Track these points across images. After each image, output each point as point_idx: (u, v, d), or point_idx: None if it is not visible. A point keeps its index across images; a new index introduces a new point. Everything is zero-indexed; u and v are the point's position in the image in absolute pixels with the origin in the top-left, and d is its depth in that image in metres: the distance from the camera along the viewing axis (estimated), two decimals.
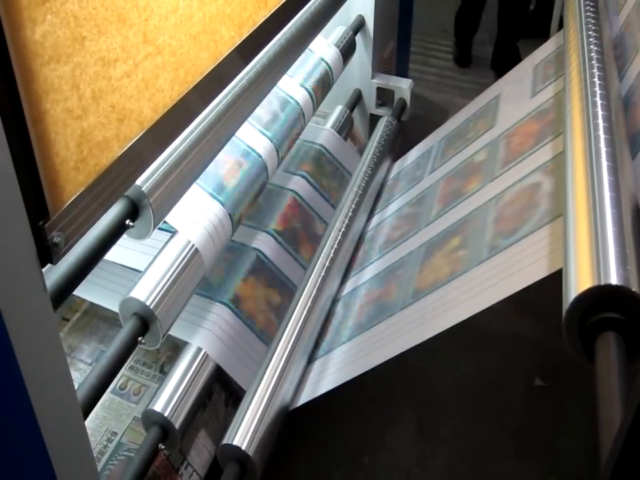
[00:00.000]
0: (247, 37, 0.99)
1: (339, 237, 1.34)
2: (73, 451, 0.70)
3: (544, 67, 1.46)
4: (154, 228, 0.89)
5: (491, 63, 2.66)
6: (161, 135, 0.82)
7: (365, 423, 1.35)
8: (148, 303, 0.91)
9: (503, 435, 1.32)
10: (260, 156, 1.21)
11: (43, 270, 0.60)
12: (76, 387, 0.71)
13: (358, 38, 1.69)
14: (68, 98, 0.63)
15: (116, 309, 0.94)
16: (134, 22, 0.72)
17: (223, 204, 1.09)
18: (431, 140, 1.65)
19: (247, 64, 1.05)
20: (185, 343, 1.07)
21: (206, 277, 1.07)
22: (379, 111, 1.82)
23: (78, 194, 0.67)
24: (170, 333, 0.98)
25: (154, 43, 0.77)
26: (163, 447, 0.98)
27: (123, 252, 1.07)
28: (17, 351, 0.56)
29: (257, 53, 1.08)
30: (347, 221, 1.38)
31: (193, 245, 1.00)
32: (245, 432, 0.98)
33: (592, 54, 1.09)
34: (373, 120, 1.82)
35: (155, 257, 0.99)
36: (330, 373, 1.09)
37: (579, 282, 0.68)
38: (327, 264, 1.27)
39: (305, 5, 1.29)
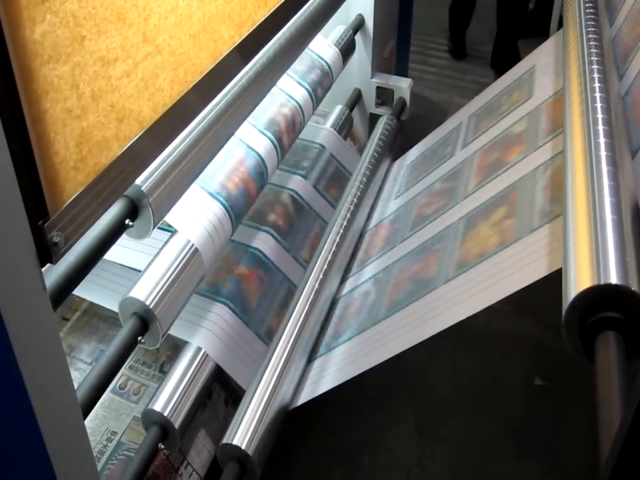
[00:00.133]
0: (247, 37, 0.99)
1: (339, 236, 1.34)
2: (73, 451, 0.70)
3: None
4: (153, 227, 0.89)
5: (491, 62, 2.66)
6: (161, 135, 0.82)
7: (365, 423, 1.35)
8: (148, 303, 0.91)
9: (502, 435, 1.32)
10: (260, 155, 1.21)
11: (43, 269, 0.60)
12: (76, 387, 0.71)
13: (357, 37, 1.69)
14: (67, 97, 0.63)
15: (116, 308, 0.94)
16: (133, 21, 0.72)
17: (222, 203, 1.09)
18: (457, 119, 1.64)
19: (246, 63, 1.04)
20: (185, 343, 1.07)
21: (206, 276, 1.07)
22: (379, 110, 1.82)
23: (77, 193, 0.67)
24: (170, 332, 0.98)
25: (153, 42, 0.77)
26: (162, 446, 0.98)
27: (122, 251, 1.07)
28: (16, 350, 0.56)
29: (256, 52, 1.08)
30: (346, 220, 1.38)
31: (192, 245, 1.00)
32: (244, 431, 0.98)
33: (592, 53, 1.09)
34: (373, 119, 1.82)
35: (155, 257, 0.99)
36: (329, 373, 1.09)
37: (578, 281, 0.68)
38: (327, 263, 1.27)
39: (304, 4, 1.29)
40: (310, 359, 1.16)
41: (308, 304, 1.19)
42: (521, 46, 2.56)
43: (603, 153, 0.83)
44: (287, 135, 1.31)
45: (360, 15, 1.69)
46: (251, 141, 1.21)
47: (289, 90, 1.37)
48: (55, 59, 0.61)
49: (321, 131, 1.59)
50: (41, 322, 0.60)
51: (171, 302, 0.94)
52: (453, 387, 1.42)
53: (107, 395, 1.09)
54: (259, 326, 1.17)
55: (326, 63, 1.51)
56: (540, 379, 1.43)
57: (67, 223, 0.65)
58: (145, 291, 0.92)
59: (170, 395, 0.99)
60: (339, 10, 1.52)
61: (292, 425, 1.12)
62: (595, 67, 1.04)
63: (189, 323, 1.09)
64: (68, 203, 0.65)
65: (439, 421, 1.36)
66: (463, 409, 1.38)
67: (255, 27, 1.01)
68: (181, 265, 0.97)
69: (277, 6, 1.08)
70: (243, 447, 0.97)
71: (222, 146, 1.06)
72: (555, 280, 0.79)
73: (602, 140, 0.86)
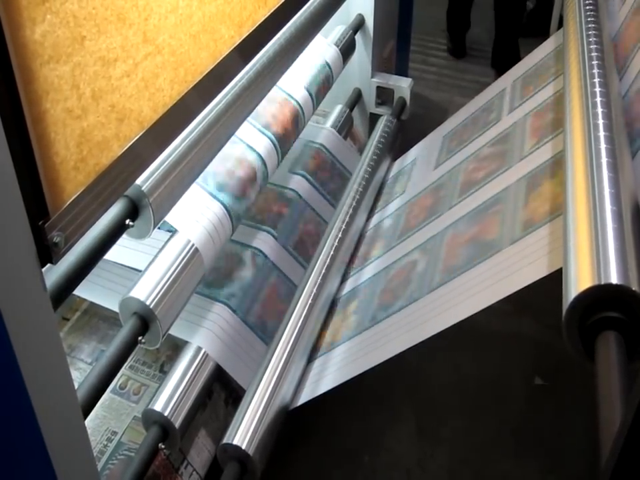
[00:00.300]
0: (247, 37, 0.99)
1: (339, 236, 1.34)
2: (73, 451, 0.70)
3: None
4: (154, 227, 0.89)
5: (491, 62, 2.66)
6: (161, 135, 0.82)
7: (365, 423, 1.35)
8: (148, 303, 0.91)
9: (502, 435, 1.32)
10: (260, 155, 1.21)
11: (43, 270, 0.60)
12: (76, 387, 0.71)
13: (358, 37, 1.69)
14: (68, 98, 0.63)
15: (116, 308, 0.94)
16: (134, 21, 0.72)
17: (222, 203, 1.09)
18: (498, 86, 1.63)
19: (246, 63, 1.04)
20: (185, 343, 1.07)
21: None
22: (379, 110, 1.82)
23: (78, 194, 0.67)
24: (170, 332, 0.98)
25: (154, 42, 0.77)
26: (163, 446, 0.98)
27: (123, 251, 1.07)
28: (17, 350, 0.56)
29: (256, 52, 1.08)
30: (347, 220, 1.38)
31: (192, 245, 1.00)
32: (245, 431, 0.98)
33: (592, 53, 1.09)
34: (373, 119, 1.82)
35: (155, 257, 0.99)
36: (330, 373, 1.09)
37: (579, 281, 0.68)
38: (327, 263, 1.27)
39: (304, 4, 1.29)
40: (310, 359, 1.16)
41: (308, 304, 1.19)
42: (521, 46, 2.56)
43: (603, 152, 0.83)
44: (287, 135, 1.31)
45: (360, 14, 1.69)
46: (251, 140, 1.21)
47: (289, 89, 1.37)
48: (55, 59, 0.61)
49: (321, 130, 1.59)
50: (41, 322, 0.60)
51: (172, 302, 0.94)
52: (453, 387, 1.42)
53: (107, 394, 1.09)
54: (257, 324, 1.17)
55: (326, 62, 1.51)
56: (540, 378, 1.43)
57: (67, 223, 0.65)
58: (145, 290, 0.92)
59: (170, 395, 0.99)
60: (339, 10, 1.52)
61: (292, 424, 1.12)
62: (595, 66, 1.04)
63: (189, 322, 1.09)
64: (68, 203, 0.65)
65: (439, 420, 1.36)
66: (463, 408, 1.38)
67: (255, 26, 1.01)
68: (181, 265, 0.97)
69: (277, 6, 1.08)
70: (243, 447, 0.97)
71: (222, 146, 1.06)
72: (555, 279, 0.79)
73: (602, 139, 0.86)
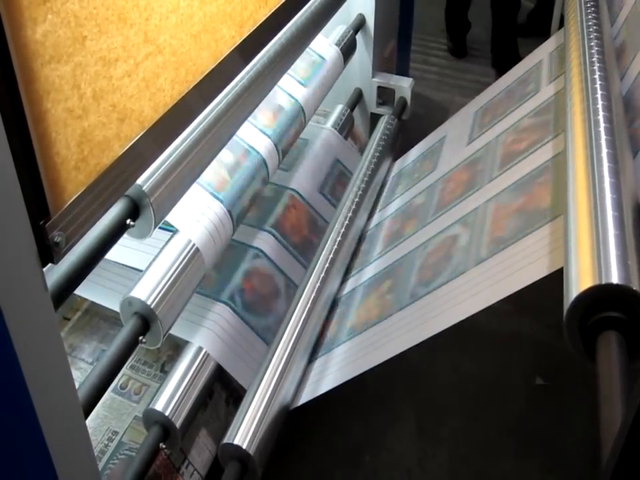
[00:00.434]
0: (248, 36, 0.99)
1: (340, 236, 1.34)
2: (74, 450, 0.70)
3: None
4: (155, 227, 0.89)
5: (492, 61, 2.66)
6: (162, 135, 0.82)
7: (366, 423, 1.35)
8: (149, 302, 0.91)
9: (503, 435, 1.32)
10: (260, 155, 1.21)
11: (44, 269, 0.60)
12: (77, 386, 0.71)
13: (358, 37, 1.69)
14: (69, 97, 0.63)
15: (117, 308, 0.94)
16: (134, 21, 0.72)
17: (223, 203, 1.09)
18: (535, 57, 1.61)
19: (247, 63, 1.04)
20: (186, 342, 1.07)
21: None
22: (380, 110, 1.82)
23: (79, 193, 0.67)
24: (171, 332, 0.98)
25: (154, 42, 0.77)
26: (163, 446, 0.98)
27: (123, 251, 1.07)
28: (18, 350, 0.57)
29: (257, 52, 1.08)
30: (347, 220, 1.38)
31: (193, 244, 1.00)
32: (245, 431, 0.98)
33: (592, 52, 1.09)
34: (374, 119, 1.82)
35: (156, 256, 0.99)
36: (331, 372, 1.09)
37: (579, 281, 0.68)
38: (328, 263, 1.27)
39: (305, 4, 1.29)
40: (311, 359, 1.16)
41: (309, 303, 1.19)
42: (521, 46, 2.56)
43: (604, 152, 0.83)
44: (288, 135, 1.31)
45: (361, 14, 1.69)
46: (251, 140, 1.22)
47: (290, 89, 1.37)
48: (56, 59, 0.61)
49: (322, 130, 1.59)
50: (42, 322, 0.60)
51: (172, 301, 0.94)
52: (453, 387, 1.42)
53: (108, 394, 1.09)
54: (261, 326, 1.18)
55: (326, 62, 1.51)
56: (540, 378, 1.43)
57: (68, 223, 0.65)
58: (146, 290, 0.92)
59: (171, 395, 0.99)
60: (340, 10, 1.52)
61: (293, 424, 1.12)
62: (596, 66, 1.04)
63: (190, 322, 1.09)
64: (69, 202, 0.65)
65: (440, 420, 1.36)
66: (464, 408, 1.38)
67: (256, 26, 1.01)
68: (182, 265, 0.97)
69: (278, 6, 1.08)
70: (244, 447, 0.97)
71: (223, 146, 1.06)
72: (555, 279, 0.79)
73: (603, 139, 0.86)
